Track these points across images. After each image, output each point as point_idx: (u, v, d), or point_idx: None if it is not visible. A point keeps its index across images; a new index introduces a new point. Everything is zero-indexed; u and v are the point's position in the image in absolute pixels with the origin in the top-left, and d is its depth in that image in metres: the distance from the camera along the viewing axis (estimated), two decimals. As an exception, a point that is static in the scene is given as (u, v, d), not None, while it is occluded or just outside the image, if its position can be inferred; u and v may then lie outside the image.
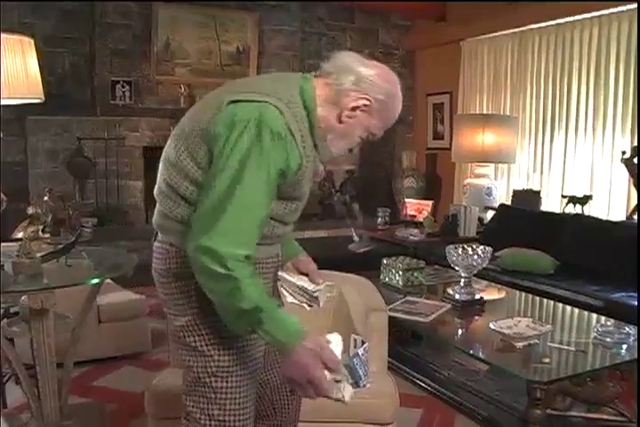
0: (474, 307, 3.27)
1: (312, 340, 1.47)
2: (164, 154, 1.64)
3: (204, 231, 1.41)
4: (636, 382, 2.62)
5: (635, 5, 4.54)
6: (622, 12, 4.75)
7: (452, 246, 3.32)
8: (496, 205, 5.54)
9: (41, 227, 2.92)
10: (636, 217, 4.49)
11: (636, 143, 4.59)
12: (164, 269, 1.60)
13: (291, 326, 1.46)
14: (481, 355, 2.76)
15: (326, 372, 1.50)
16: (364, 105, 1.56)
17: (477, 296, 3.32)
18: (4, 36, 2.80)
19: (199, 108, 1.61)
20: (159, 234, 1.64)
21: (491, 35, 5.98)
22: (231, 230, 1.41)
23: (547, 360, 2.45)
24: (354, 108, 1.56)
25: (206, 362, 1.61)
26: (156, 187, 1.65)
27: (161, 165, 1.64)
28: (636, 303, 3.43)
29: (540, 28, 5.48)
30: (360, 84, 1.55)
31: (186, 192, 1.54)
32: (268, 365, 1.84)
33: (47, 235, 2.90)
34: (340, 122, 1.57)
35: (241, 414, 1.63)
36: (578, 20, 5.13)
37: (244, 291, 1.40)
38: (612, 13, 4.84)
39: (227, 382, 1.61)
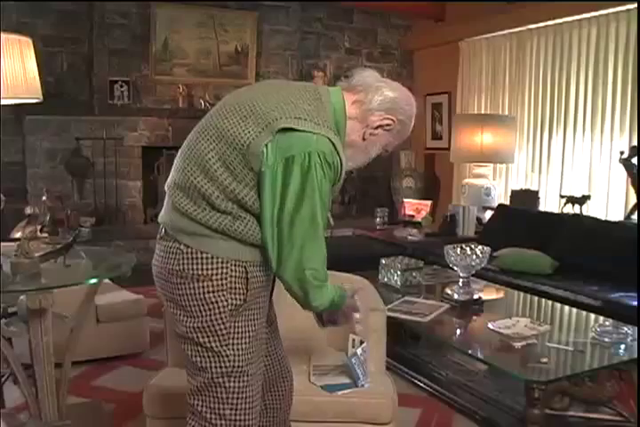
0: (472, 307, 3.27)
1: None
2: (187, 146, 1.64)
3: (307, 260, 1.59)
4: (635, 381, 2.63)
5: (633, 6, 4.55)
6: (620, 12, 4.75)
7: (450, 246, 3.32)
8: (494, 205, 5.54)
9: (39, 227, 2.93)
10: (634, 217, 4.49)
11: (634, 143, 4.60)
12: (179, 270, 1.59)
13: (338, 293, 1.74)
14: (479, 355, 2.76)
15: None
16: (387, 125, 1.68)
17: (476, 296, 3.32)
18: (3, 36, 2.80)
19: (233, 113, 1.58)
20: (169, 232, 1.63)
21: (489, 35, 5.98)
22: (319, 254, 1.62)
23: (545, 360, 2.45)
24: (377, 127, 1.68)
25: (222, 362, 1.63)
26: (173, 181, 1.64)
27: (182, 159, 1.64)
28: (634, 303, 3.43)
29: (538, 28, 5.48)
30: (386, 104, 1.66)
31: (213, 198, 1.56)
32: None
33: (45, 235, 2.90)
34: (364, 139, 1.69)
35: (251, 413, 1.66)
36: (576, 21, 5.13)
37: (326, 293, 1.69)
38: (610, 13, 4.84)
39: (240, 381, 1.64)
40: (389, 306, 3.14)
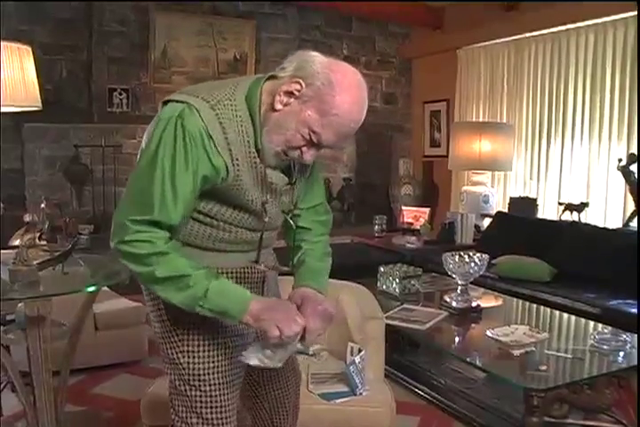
0: (471, 314, 3.27)
1: (258, 303, 1.46)
2: None
3: (126, 211, 1.43)
4: (634, 389, 2.63)
5: (630, 13, 4.57)
6: (618, 19, 4.77)
7: (448, 254, 3.32)
8: (493, 212, 5.55)
9: (38, 234, 2.92)
10: (632, 224, 4.49)
11: (632, 150, 4.61)
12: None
13: (236, 295, 1.45)
14: (478, 363, 2.76)
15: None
16: (296, 90, 1.42)
17: (474, 304, 3.32)
18: (2, 44, 2.81)
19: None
20: None
21: (487, 43, 6.00)
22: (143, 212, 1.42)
23: (544, 368, 2.45)
24: (287, 94, 1.43)
25: (179, 370, 1.61)
26: None
27: None
28: (633, 311, 3.44)
29: (536, 35, 5.50)
30: (300, 69, 1.43)
31: None
32: (264, 379, 1.84)
33: (44, 242, 2.90)
34: (274, 109, 1.44)
35: (221, 424, 1.61)
36: (574, 28, 5.15)
37: (175, 260, 1.42)
38: (608, 21, 4.86)
39: (201, 390, 1.59)
40: (388, 314, 3.14)
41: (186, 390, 1.61)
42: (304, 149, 1.48)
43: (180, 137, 1.40)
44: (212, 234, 1.56)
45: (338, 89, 1.41)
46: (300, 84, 1.41)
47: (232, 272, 1.63)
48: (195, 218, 1.54)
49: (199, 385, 1.60)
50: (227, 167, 1.45)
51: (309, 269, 1.70)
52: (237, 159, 1.46)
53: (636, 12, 4.48)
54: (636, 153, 4.45)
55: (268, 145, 1.47)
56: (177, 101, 1.45)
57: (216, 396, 1.60)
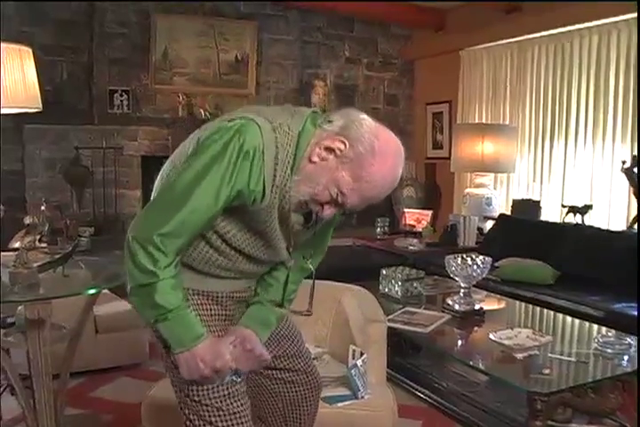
0: (473, 317, 3.27)
1: (207, 347, 1.50)
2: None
3: (153, 221, 1.46)
4: (636, 393, 2.62)
5: (633, 15, 4.56)
6: (622, 21, 4.77)
7: (451, 256, 3.32)
8: (496, 214, 5.54)
9: (38, 237, 2.92)
10: (636, 227, 4.49)
11: (635, 152, 4.60)
12: None
13: (192, 331, 1.50)
14: (481, 366, 2.76)
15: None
16: (339, 149, 1.44)
17: (477, 307, 3.32)
18: (3, 45, 2.81)
19: (196, 132, 1.59)
20: None
21: (489, 44, 6.00)
22: (174, 231, 1.44)
23: (547, 371, 2.45)
24: (327, 149, 1.45)
25: (174, 388, 1.65)
26: None
27: None
28: (637, 313, 3.43)
29: (540, 37, 5.50)
30: (346, 128, 1.46)
31: None
32: (279, 378, 1.85)
33: (44, 245, 2.90)
34: (311, 161, 1.46)
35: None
36: (577, 30, 5.15)
37: (161, 288, 1.45)
38: (611, 23, 4.85)
39: (197, 413, 1.60)
40: (390, 317, 3.14)
41: (185, 410, 1.62)
42: (326, 205, 1.50)
43: (234, 148, 1.41)
44: (212, 259, 1.59)
45: (378, 158, 1.44)
46: (345, 144, 1.44)
47: (225, 296, 1.67)
48: (205, 237, 1.55)
49: (194, 406, 1.61)
50: (264, 191, 1.46)
51: (264, 317, 1.72)
52: (277, 187, 1.47)
53: (635, 14, 4.48)
54: (639, 155, 4.45)
55: (294, 193, 1.49)
56: (238, 118, 1.46)
57: (215, 416, 1.60)
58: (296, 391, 1.88)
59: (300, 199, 1.49)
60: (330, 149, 1.45)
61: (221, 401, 1.59)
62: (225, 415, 1.59)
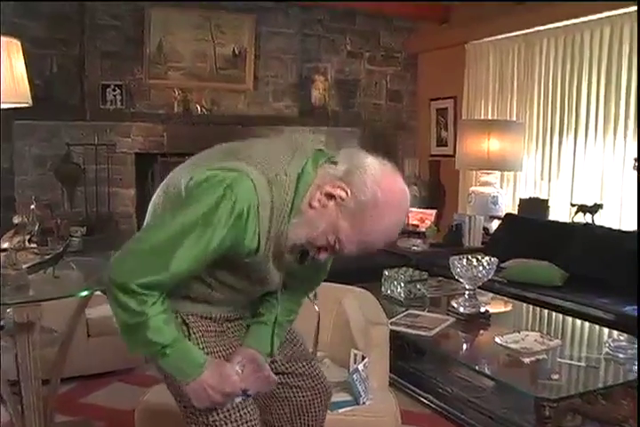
0: (479, 320, 3.27)
1: (212, 372, 1.53)
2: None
3: (132, 271, 1.43)
4: (637, 394, 2.61)
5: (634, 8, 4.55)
6: (634, 12, 4.74)
7: (456, 257, 3.32)
8: (502, 214, 5.54)
9: (27, 236, 2.92)
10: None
11: (647, 150, 4.60)
12: None
13: (193, 360, 1.52)
14: (487, 371, 2.76)
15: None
16: (340, 197, 1.43)
17: (482, 309, 3.32)
18: (-10, 38, 2.81)
19: (191, 164, 1.58)
20: None
21: (496, 37, 5.99)
22: (154, 284, 1.43)
23: (556, 377, 2.44)
24: (328, 195, 1.44)
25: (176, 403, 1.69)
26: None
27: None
28: (636, 314, 3.42)
29: (548, 29, 5.49)
30: (349, 174, 1.44)
31: None
32: (283, 383, 1.85)
33: (34, 245, 2.89)
34: (311, 206, 1.46)
35: None
36: (587, 21, 5.13)
37: (153, 325, 1.45)
38: (624, 14, 4.83)
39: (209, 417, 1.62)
40: (392, 319, 3.14)
41: (202, 418, 1.63)
42: (322, 249, 1.51)
43: (225, 208, 1.39)
44: (206, 293, 1.60)
45: (380, 211, 1.43)
46: (346, 192, 1.43)
47: (222, 316, 1.71)
48: (198, 277, 1.56)
49: (196, 423, 1.63)
50: (258, 246, 1.47)
51: (267, 337, 1.75)
52: (272, 236, 1.47)
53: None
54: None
55: (291, 236, 1.49)
56: (231, 169, 1.43)
57: (235, 413, 1.62)
58: (303, 396, 1.89)
59: (297, 242, 1.50)
60: (331, 196, 1.44)
61: (230, 413, 1.62)
62: (235, 424, 1.62)
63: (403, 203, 1.49)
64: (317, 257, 1.53)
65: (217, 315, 1.69)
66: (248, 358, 1.63)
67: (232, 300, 1.67)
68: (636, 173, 4.55)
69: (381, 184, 1.43)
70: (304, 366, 1.89)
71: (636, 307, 3.57)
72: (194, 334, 1.62)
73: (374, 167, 1.46)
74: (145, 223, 1.64)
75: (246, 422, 1.62)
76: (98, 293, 3.08)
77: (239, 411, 1.62)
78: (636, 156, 4.62)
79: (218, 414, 1.60)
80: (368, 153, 1.50)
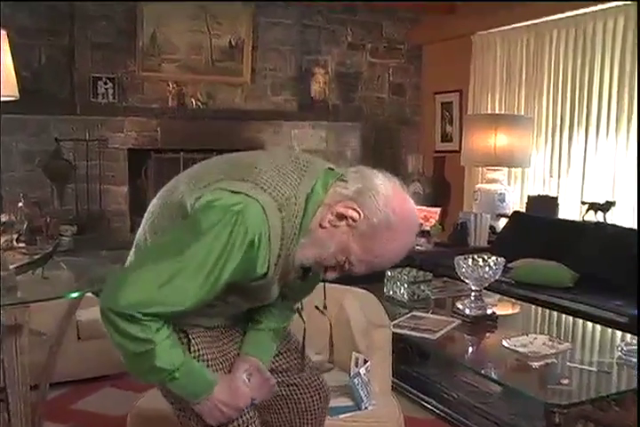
0: (485, 323, 3.27)
1: (224, 388, 1.56)
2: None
3: (138, 302, 1.40)
4: (637, 398, 2.60)
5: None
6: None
7: (461, 257, 3.32)
8: (509, 212, 5.54)
9: (15, 236, 2.92)
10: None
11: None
12: None
13: (203, 380, 1.55)
14: (493, 375, 2.76)
15: None
16: (352, 218, 1.45)
17: (489, 311, 3.31)
18: (-25, 28, 2.80)
19: (194, 176, 1.57)
20: None
21: (504, 27, 5.98)
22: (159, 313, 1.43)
23: (566, 382, 2.44)
24: (340, 216, 1.46)
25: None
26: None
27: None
28: (637, 313, 3.42)
29: (559, 19, 5.48)
30: (361, 195, 1.46)
31: None
32: (280, 382, 1.85)
33: (22, 244, 2.89)
34: (321, 226, 1.48)
35: None
36: (600, 10, 5.12)
37: (160, 352, 1.45)
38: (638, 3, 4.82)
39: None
40: (395, 322, 3.14)
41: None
42: (330, 268, 1.54)
43: (237, 238, 1.39)
44: (205, 309, 1.58)
45: (393, 234, 1.47)
46: (359, 214, 1.45)
47: (217, 325, 1.73)
48: None
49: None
50: (267, 271, 1.48)
51: (265, 343, 1.78)
52: (280, 263, 1.49)
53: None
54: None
55: (299, 257, 1.50)
56: (242, 194, 1.42)
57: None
58: (301, 394, 1.89)
59: (305, 262, 1.52)
60: (343, 216, 1.46)
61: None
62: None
63: (414, 224, 1.55)
64: (325, 277, 1.57)
65: (213, 325, 1.71)
66: (254, 368, 1.67)
67: (229, 313, 1.72)
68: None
69: (394, 206, 1.47)
70: (295, 358, 1.90)
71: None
72: (193, 339, 1.63)
73: (386, 188, 1.48)
74: (140, 238, 1.62)
75: (246, 424, 1.65)
76: (89, 294, 3.08)
77: (240, 415, 1.63)
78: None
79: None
80: (377, 172, 1.53)
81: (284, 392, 1.87)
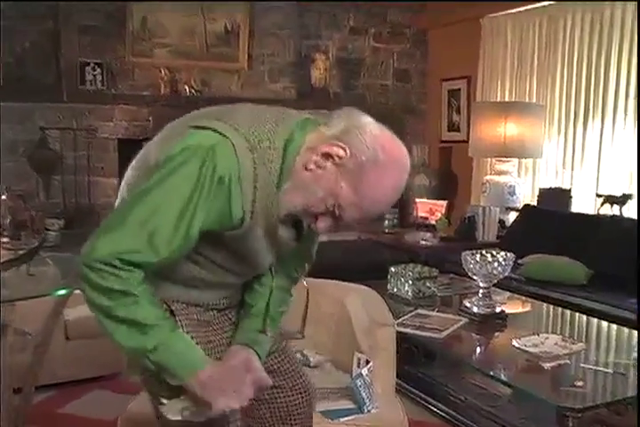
0: (494, 321, 3.28)
1: (209, 370, 1.50)
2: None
3: (113, 244, 1.41)
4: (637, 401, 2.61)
5: None
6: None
7: (468, 253, 3.33)
8: (519, 205, 5.54)
9: (-1, 230, 2.91)
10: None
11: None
12: None
13: (194, 349, 1.51)
14: (503, 377, 2.76)
15: None
16: (338, 156, 1.44)
17: (498, 309, 3.32)
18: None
19: (163, 136, 1.60)
20: None
21: (515, 10, 5.97)
22: (137, 260, 1.41)
23: (580, 384, 2.44)
24: (325, 156, 1.45)
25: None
26: None
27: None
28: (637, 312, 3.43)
29: (574, 2, 5.46)
30: (347, 133, 1.45)
31: None
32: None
33: (6, 239, 2.89)
34: (306, 169, 1.46)
35: None
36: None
37: (143, 307, 1.43)
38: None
39: None
40: (399, 320, 3.15)
41: None
42: (321, 217, 1.50)
43: (206, 175, 1.40)
44: (195, 275, 1.60)
45: (382, 171, 1.44)
46: (345, 152, 1.43)
47: (210, 303, 1.70)
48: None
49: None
50: (243, 217, 1.47)
51: (259, 329, 1.74)
52: (258, 209, 1.48)
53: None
54: None
55: (284, 204, 1.49)
56: (211, 129, 1.44)
57: None
58: (284, 397, 1.88)
59: (292, 211, 1.50)
60: (328, 156, 1.45)
61: None
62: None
63: (404, 163, 1.51)
64: (315, 227, 1.53)
65: (204, 302, 1.68)
66: (245, 363, 1.61)
67: (220, 282, 1.66)
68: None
69: (383, 145, 1.46)
70: (281, 360, 1.89)
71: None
72: (180, 322, 1.60)
73: (375, 126, 1.48)
74: (118, 203, 1.64)
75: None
76: (77, 292, 3.08)
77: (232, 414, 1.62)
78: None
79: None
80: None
81: (266, 396, 1.85)
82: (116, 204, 1.64)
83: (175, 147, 1.44)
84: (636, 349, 2.76)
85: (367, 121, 1.49)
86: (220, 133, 1.43)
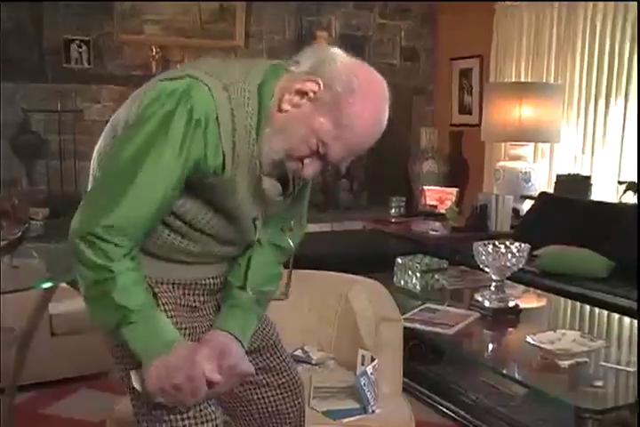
0: (507, 317, 3.29)
1: (181, 355, 1.50)
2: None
3: (93, 211, 1.46)
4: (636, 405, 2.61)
5: None
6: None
7: (480, 243, 3.33)
8: (535, 193, 5.54)
9: (-22, 219, 2.91)
10: None
11: None
12: None
13: (162, 336, 1.51)
14: (517, 375, 2.77)
15: None
16: (312, 91, 1.46)
17: (512, 304, 3.33)
18: None
19: (131, 98, 1.61)
20: None
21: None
22: (122, 222, 1.45)
23: (599, 384, 2.44)
24: (299, 93, 1.47)
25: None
26: None
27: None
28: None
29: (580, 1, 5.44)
30: (318, 67, 1.48)
31: None
32: (250, 382, 1.85)
33: (-14, 229, 2.89)
34: (281, 110, 1.49)
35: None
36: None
37: (120, 284, 1.45)
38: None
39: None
40: (406, 315, 3.16)
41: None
42: (306, 160, 1.52)
43: (181, 116, 1.42)
44: (176, 243, 1.60)
45: (359, 98, 1.46)
46: (318, 85, 1.46)
47: (197, 284, 1.70)
48: (164, 221, 1.56)
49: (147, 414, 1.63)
50: (224, 161, 1.48)
51: (244, 315, 1.72)
52: (239, 156, 1.49)
53: None
54: None
55: (266, 151, 1.51)
56: (181, 78, 1.47)
57: (194, 412, 1.59)
58: (271, 396, 1.89)
59: (274, 158, 1.51)
60: (302, 93, 1.47)
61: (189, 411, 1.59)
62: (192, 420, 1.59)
63: (382, 90, 1.53)
64: (303, 173, 1.54)
65: (191, 281, 1.68)
66: (220, 351, 1.58)
67: (205, 253, 1.65)
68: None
69: (355, 71, 1.49)
70: (269, 357, 1.89)
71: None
72: (163, 305, 1.61)
73: (345, 57, 1.51)
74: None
75: (206, 422, 1.59)
76: (63, 284, 3.08)
77: (198, 408, 1.59)
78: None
79: (174, 414, 1.57)
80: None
81: (252, 395, 1.86)
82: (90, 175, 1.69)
83: (145, 99, 1.48)
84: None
85: (337, 52, 1.52)
86: (192, 77, 1.46)
